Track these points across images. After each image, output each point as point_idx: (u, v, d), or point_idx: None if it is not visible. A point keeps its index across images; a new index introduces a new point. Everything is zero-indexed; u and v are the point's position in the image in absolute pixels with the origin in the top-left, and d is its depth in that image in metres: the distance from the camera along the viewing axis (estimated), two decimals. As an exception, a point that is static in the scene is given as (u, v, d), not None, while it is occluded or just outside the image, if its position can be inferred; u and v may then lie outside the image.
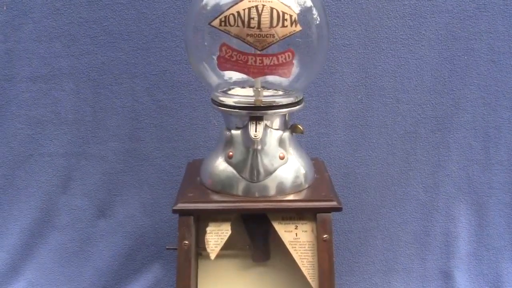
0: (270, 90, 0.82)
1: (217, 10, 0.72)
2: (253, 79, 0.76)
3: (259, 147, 0.76)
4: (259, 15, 0.69)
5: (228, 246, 0.76)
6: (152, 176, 1.09)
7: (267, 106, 0.75)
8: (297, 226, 0.76)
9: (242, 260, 0.80)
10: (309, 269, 0.75)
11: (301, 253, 0.75)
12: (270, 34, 0.70)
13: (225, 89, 0.82)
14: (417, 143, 1.08)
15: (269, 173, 0.76)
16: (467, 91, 1.06)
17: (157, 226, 1.10)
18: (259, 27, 0.69)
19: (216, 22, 0.71)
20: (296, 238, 0.76)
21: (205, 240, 0.75)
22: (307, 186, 0.80)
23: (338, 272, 0.98)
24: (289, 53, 0.72)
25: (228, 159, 0.77)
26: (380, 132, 1.07)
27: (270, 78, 0.78)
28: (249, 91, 0.81)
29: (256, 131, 0.74)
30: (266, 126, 0.76)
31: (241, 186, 0.76)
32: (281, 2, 0.70)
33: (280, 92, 0.82)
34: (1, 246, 1.09)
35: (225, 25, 0.70)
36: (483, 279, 1.11)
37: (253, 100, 0.76)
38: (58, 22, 1.02)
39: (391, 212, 1.11)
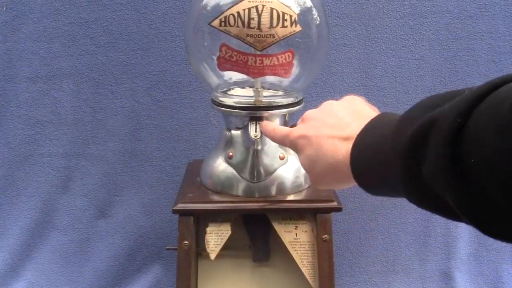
0: (270, 91, 0.82)
1: (217, 10, 0.71)
2: (253, 79, 0.76)
3: (259, 148, 0.76)
4: (259, 16, 0.69)
5: (228, 246, 0.76)
6: (152, 177, 1.09)
7: (267, 106, 0.75)
8: (297, 226, 0.76)
9: (242, 260, 0.80)
10: (309, 269, 0.75)
11: (301, 253, 0.75)
12: (270, 35, 0.70)
13: (225, 89, 0.82)
14: (417, 143, 1.08)
15: (269, 173, 0.76)
16: (468, 91, 1.06)
17: (157, 226, 1.10)
18: (259, 27, 0.69)
19: (216, 23, 0.71)
20: (296, 238, 0.76)
21: (205, 241, 0.75)
22: (307, 186, 0.80)
23: (338, 273, 0.98)
24: (289, 53, 0.72)
25: (228, 160, 0.77)
26: (380, 132, 1.07)
27: (270, 78, 0.78)
28: (249, 92, 0.81)
29: (256, 131, 0.74)
30: (266, 126, 0.75)
31: (241, 186, 0.76)
32: (281, 3, 0.70)
33: (280, 92, 0.82)
34: (1, 246, 1.09)
35: (225, 25, 0.70)
36: (483, 279, 1.11)
37: (253, 100, 0.76)
38: (58, 22, 1.02)
39: (391, 212, 1.10)
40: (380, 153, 0.44)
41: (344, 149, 0.49)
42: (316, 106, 0.60)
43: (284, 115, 0.78)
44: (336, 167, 0.51)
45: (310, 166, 0.54)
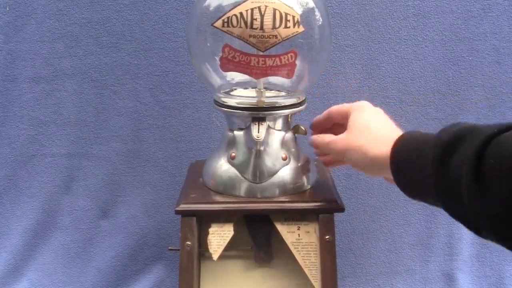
0: (273, 91, 0.82)
1: (220, 11, 0.71)
2: (255, 80, 0.76)
3: (262, 148, 0.75)
4: (262, 16, 0.69)
5: (230, 247, 0.76)
6: (154, 177, 1.09)
7: (269, 107, 0.75)
8: (299, 227, 0.76)
9: (245, 261, 0.80)
10: (311, 270, 0.75)
11: (303, 254, 0.75)
12: (273, 35, 0.69)
13: (227, 90, 0.82)
14: (420, 144, 1.07)
15: (271, 174, 0.76)
16: (472, 92, 1.06)
17: (159, 227, 1.10)
18: (261, 28, 0.69)
19: (218, 23, 0.71)
20: (299, 239, 0.75)
21: (208, 241, 0.75)
22: (309, 187, 0.80)
23: (340, 274, 0.98)
24: (292, 54, 0.72)
25: (231, 160, 0.77)
26: (383, 133, 1.07)
27: (273, 79, 0.78)
28: (251, 92, 0.81)
29: (258, 132, 0.74)
30: (268, 127, 0.75)
31: (243, 187, 0.76)
32: (284, 3, 0.70)
33: (283, 93, 0.81)
34: (3, 246, 1.09)
35: (228, 26, 0.70)
36: (486, 281, 1.11)
37: (255, 101, 0.76)
38: (61, 23, 1.02)
39: (394, 213, 1.10)
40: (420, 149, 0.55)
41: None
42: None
43: (287, 116, 0.78)
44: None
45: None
